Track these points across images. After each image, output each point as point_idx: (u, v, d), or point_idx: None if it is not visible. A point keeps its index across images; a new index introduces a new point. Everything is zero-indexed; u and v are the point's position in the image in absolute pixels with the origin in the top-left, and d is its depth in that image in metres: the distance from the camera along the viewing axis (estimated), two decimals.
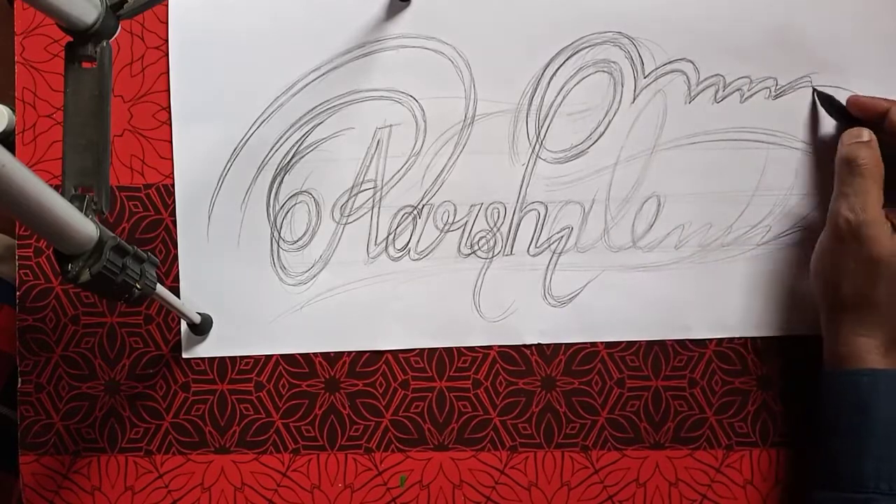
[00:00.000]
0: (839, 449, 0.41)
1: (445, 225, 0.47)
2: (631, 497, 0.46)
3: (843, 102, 0.45)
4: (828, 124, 0.46)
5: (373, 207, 0.47)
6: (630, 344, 0.46)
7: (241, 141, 0.48)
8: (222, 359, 0.48)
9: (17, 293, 0.49)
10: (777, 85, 0.46)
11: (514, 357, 0.47)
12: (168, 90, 0.48)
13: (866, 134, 0.42)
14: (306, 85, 0.47)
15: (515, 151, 0.47)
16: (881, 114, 0.43)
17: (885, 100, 0.43)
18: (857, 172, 0.41)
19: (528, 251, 0.47)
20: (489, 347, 0.47)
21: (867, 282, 0.40)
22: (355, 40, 0.47)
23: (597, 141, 0.47)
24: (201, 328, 0.47)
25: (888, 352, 0.41)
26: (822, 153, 0.46)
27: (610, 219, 0.47)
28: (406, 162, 0.47)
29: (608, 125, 0.47)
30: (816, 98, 0.46)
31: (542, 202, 0.47)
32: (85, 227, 0.32)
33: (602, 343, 0.47)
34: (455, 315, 0.47)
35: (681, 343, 0.46)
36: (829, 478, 0.41)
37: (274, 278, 0.48)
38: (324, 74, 0.47)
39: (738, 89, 0.46)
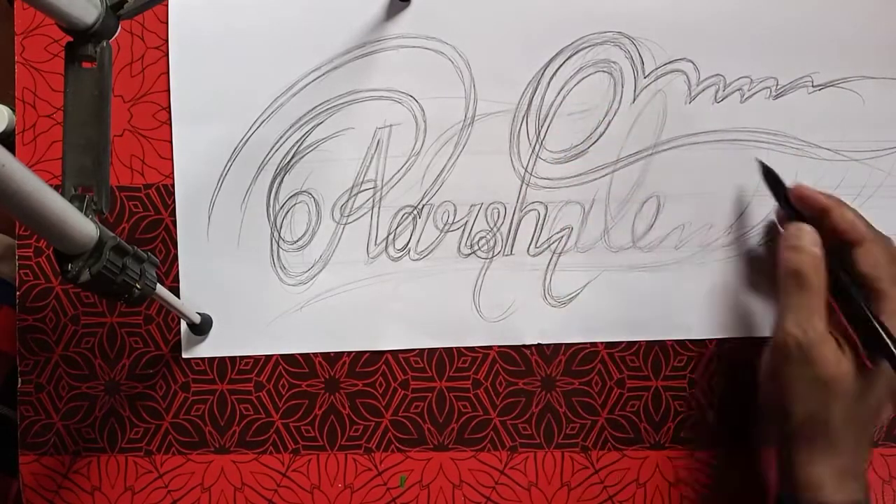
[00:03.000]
0: None
1: (445, 225, 0.47)
2: (631, 497, 0.46)
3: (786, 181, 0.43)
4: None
5: (373, 207, 0.47)
6: (630, 344, 0.46)
7: (241, 141, 0.48)
8: (222, 359, 0.48)
9: (17, 293, 0.49)
10: (777, 85, 0.46)
11: (514, 357, 0.47)
12: (168, 90, 0.48)
13: (814, 238, 0.40)
14: (306, 85, 0.47)
15: (515, 151, 0.47)
16: (823, 210, 0.41)
17: (829, 197, 0.41)
18: (804, 286, 0.39)
19: (528, 251, 0.47)
20: (489, 347, 0.47)
21: (820, 405, 0.38)
22: (355, 40, 0.47)
23: (597, 141, 0.47)
24: (201, 328, 0.47)
25: (843, 480, 0.38)
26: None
27: (610, 219, 0.47)
28: (406, 162, 0.47)
29: (608, 125, 0.47)
30: (760, 172, 0.44)
31: (542, 202, 0.47)
32: (85, 227, 0.32)
33: (602, 343, 0.47)
34: (455, 315, 0.47)
35: (681, 343, 0.46)
36: None
37: (274, 278, 0.48)
38: (324, 74, 0.47)
39: (738, 89, 0.46)
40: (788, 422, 0.39)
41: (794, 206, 0.43)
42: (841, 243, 0.40)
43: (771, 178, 0.44)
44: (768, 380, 0.41)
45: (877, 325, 0.38)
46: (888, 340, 0.37)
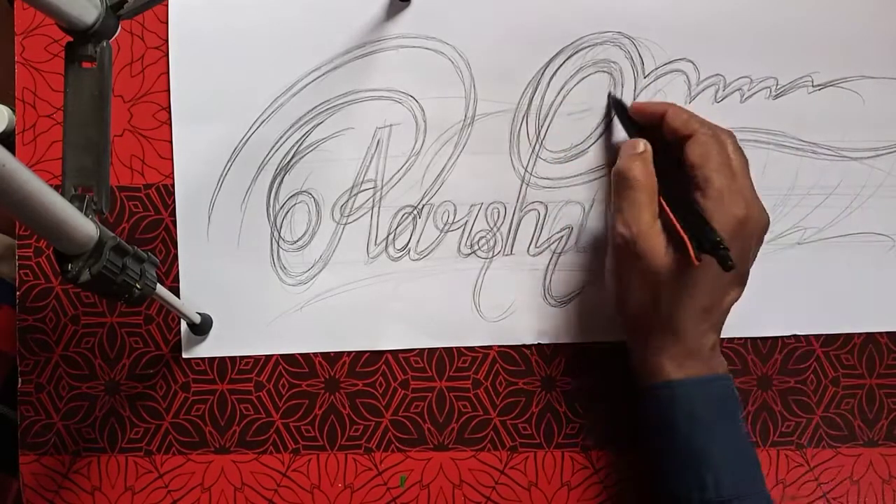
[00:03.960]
0: (655, 468, 0.42)
1: (445, 225, 0.47)
2: (631, 497, 0.46)
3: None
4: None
5: (373, 207, 0.47)
6: None
7: (241, 141, 0.48)
8: (222, 359, 0.48)
9: (17, 293, 0.49)
10: (777, 85, 0.46)
11: (514, 357, 0.47)
12: (168, 90, 0.48)
13: (641, 145, 0.42)
14: (306, 85, 0.47)
15: (515, 151, 0.47)
16: (660, 117, 0.42)
17: (664, 103, 0.43)
18: (629, 185, 0.41)
19: (528, 251, 0.47)
20: (489, 347, 0.47)
21: (650, 296, 0.40)
22: (355, 40, 0.47)
23: (597, 141, 0.47)
24: (201, 328, 0.47)
25: (684, 363, 0.40)
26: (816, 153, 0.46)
27: (610, 219, 0.47)
28: (406, 162, 0.47)
29: (608, 125, 0.47)
30: (611, 103, 0.46)
31: (542, 202, 0.47)
32: (85, 227, 0.32)
33: (600, 343, 0.47)
34: (455, 315, 0.47)
35: None
36: (655, 498, 0.42)
37: (274, 278, 0.48)
38: (324, 74, 0.47)
39: (738, 89, 0.46)
40: (626, 314, 0.42)
41: (637, 121, 0.44)
42: (678, 140, 0.42)
43: (619, 107, 0.45)
44: (609, 277, 0.44)
45: (695, 220, 0.38)
46: (708, 235, 0.37)
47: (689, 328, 0.40)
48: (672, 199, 0.40)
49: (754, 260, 0.41)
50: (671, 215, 0.40)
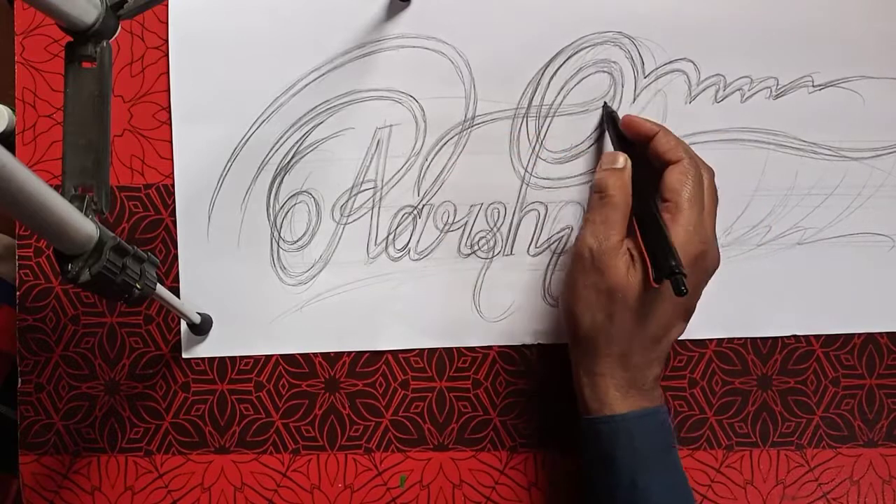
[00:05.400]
0: (594, 499, 0.41)
1: (445, 225, 0.47)
2: None
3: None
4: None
5: (373, 207, 0.47)
6: None
7: (241, 141, 0.48)
8: (222, 359, 0.48)
9: (17, 293, 0.49)
10: (777, 85, 0.46)
11: (514, 357, 0.47)
12: (168, 90, 0.48)
13: (622, 160, 0.42)
14: (306, 85, 0.47)
15: (515, 151, 0.47)
16: (650, 136, 0.42)
17: (656, 124, 0.43)
18: (605, 202, 0.40)
19: (528, 251, 0.47)
20: (489, 347, 0.47)
21: (605, 315, 0.39)
22: (355, 40, 0.47)
23: (597, 141, 0.47)
24: (201, 328, 0.47)
25: (628, 392, 0.40)
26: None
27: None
28: (406, 162, 0.47)
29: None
30: (603, 114, 0.46)
31: (542, 202, 0.47)
32: (85, 227, 0.32)
33: None
34: (455, 315, 0.47)
35: (681, 343, 0.46)
36: None
37: (274, 278, 0.48)
38: (324, 74, 0.47)
39: (738, 89, 0.46)
40: (577, 330, 0.41)
41: (626, 135, 0.44)
42: (661, 163, 0.41)
43: (610, 118, 0.45)
44: (565, 289, 0.43)
45: (662, 244, 0.38)
46: (670, 259, 0.37)
47: (637, 356, 0.40)
48: (643, 216, 0.40)
49: (698, 299, 0.41)
50: (638, 233, 0.40)
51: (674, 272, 0.37)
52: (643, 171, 0.42)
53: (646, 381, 0.40)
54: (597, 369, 0.40)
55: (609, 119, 0.45)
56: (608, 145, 0.46)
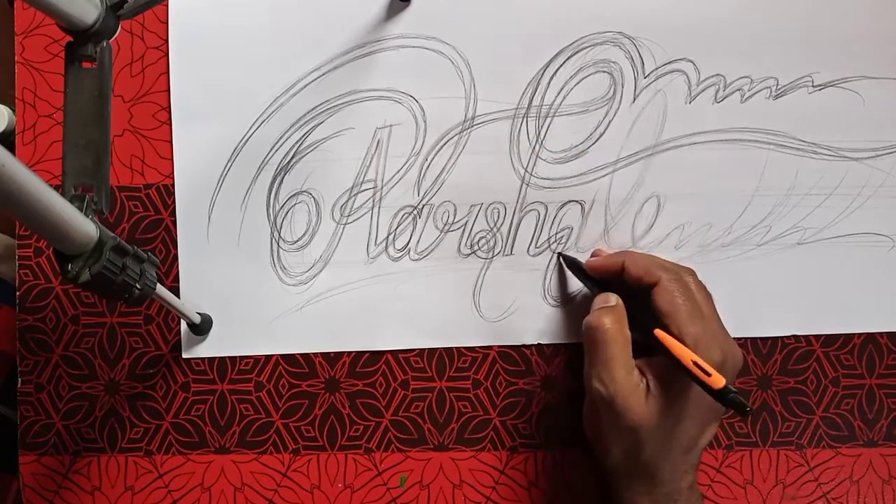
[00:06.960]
0: None
1: (445, 225, 0.47)
2: None
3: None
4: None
5: (373, 207, 0.47)
6: None
7: (241, 141, 0.48)
8: (222, 359, 0.48)
9: (17, 293, 0.49)
10: (777, 85, 0.46)
11: (514, 357, 0.47)
12: (168, 90, 0.48)
13: (613, 299, 0.42)
14: (306, 85, 0.47)
15: (515, 151, 0.47)
16: (619, 269, 0.42)
17: (618, 254, 0.44)
18: (601, 339, 0.40)
19: (528, 251, 0.47)
20: (489, 347, 0.47)
21: (632, 446, 0.40)
22: (355, 40, 0.47)
23: (597, 141, 0.47)
24: (201, 328, 0.47)
25: None
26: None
27: (610, 219, 0.47)
28: (406, 162, 0.47)
29: (608, 125, 0.47)
30: (563, 262, 0.46)
31: (542, 202, 0.47)
32: (85, 227, 0.32)
33: None
34: (455, 315, 0.47)
35: None
36: None
37: (274, 278, 0.48)
38: (324, 74, 0.47)
39: (738, 89, 0.46)
40: (608, 459, 0.41)
41: (596, 277, 0.44)
42: (643, 287, 0.41)
43: (574, 267, 0.45)
44: (588, 427, 0.44)
45: (687, 373, 0.38)
46: (724, 392, 0.36)
47: (668, 473, 0.40)
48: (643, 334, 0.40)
49: None
50: (675, 355, 0.38)
51: (732, 402, 0.36)
52: (633, 300, 0.42)
53: (682, 491, 0.40)
54: (631, 487, 0.41)
55: (573, 267, 0.45)
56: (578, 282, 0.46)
